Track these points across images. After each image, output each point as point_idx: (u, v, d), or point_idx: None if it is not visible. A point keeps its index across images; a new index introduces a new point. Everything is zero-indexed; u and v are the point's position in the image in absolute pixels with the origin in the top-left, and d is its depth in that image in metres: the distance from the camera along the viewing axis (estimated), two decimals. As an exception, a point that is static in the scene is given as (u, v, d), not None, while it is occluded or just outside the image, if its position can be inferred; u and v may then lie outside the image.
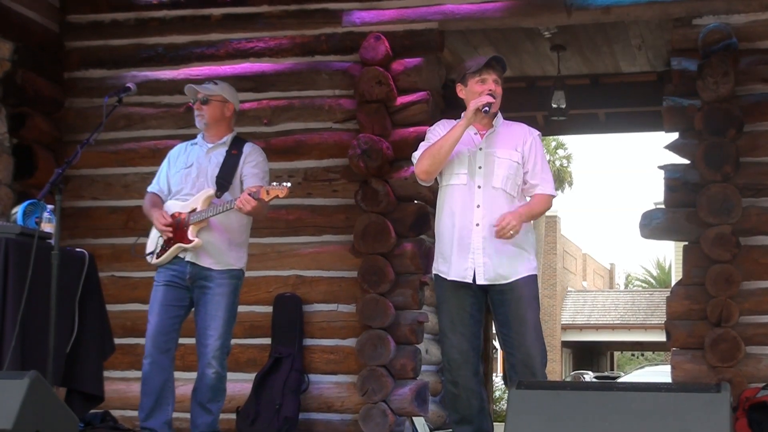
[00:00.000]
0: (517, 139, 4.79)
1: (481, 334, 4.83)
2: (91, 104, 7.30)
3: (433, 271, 4.85)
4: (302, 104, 7.16)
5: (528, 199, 4.82)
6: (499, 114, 4.85)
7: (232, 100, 5.37)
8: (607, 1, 6.71)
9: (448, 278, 4.71)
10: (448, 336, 4.72)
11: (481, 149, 4.76)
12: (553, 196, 4.88)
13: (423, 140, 6.78)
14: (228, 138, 5.30)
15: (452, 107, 7.75)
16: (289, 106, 7.18)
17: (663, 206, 6.80)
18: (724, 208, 6.28)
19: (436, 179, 4.85)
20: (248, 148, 5.30)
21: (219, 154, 5.25)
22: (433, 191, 7.02)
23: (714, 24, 6.52)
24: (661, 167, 6.73)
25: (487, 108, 4.64)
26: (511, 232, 4.55)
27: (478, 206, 4.68)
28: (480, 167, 4.72)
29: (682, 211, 6.57)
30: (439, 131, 4.82)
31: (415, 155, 4.84)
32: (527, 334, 4.62)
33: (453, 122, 4.78)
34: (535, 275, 4.76)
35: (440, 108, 7.41)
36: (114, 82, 7.21)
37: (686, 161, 6.61)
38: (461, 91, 4.86)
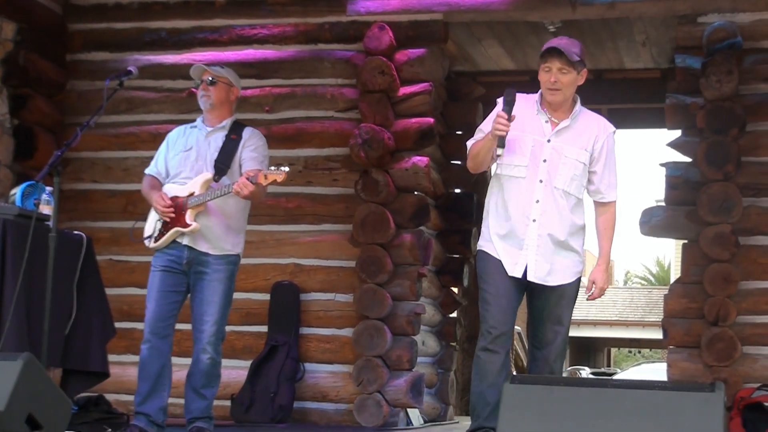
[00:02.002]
0: (589, 137, 4.51)
1: (515, 320, 4.61)
2: (92, 87, 7.29)
3: (479, 248, 4.61)
4: (304, 92, 7.15)
5: (590, 196, 4.61)
6: (578, 104, 4.56)
7: (237, 85, 5.39)
8: (614, -4, 6.70)
9: (498, 257, 4.48)
10: (491, 302, 4.48)
11: (549, 141, 4.48)
12: (615, 201, 4.64)
13: (426, 133, 6.84)
14: (228, 122, 5.29)
15: (455, 99, 7.78)
16: (291, 94, 7.17)
17: (663, 204, 6.79)
18: (725, 207, 6.27)
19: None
20: (247, 132, 5.28)
21: (218, 138, 5.24)
22: (433, 182, 7.06)
23: (719, 22, 6.50)
24: (662, 164, 6.72)
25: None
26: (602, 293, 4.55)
27: (537, 201, 4.45)
28: (545, 161, 4.46)
29: (683, 209, 6.57)
30: (487, 126, 4.49)
31: (468, 144, 4.60)
32: (559, 335, 4.52)
33: (525, 96, 4.54)
34: (580, 277, 4.58)
35: (443, 99, 7.40)
36: (116, 65, 7.20)
37: (688, 159, 6.60)
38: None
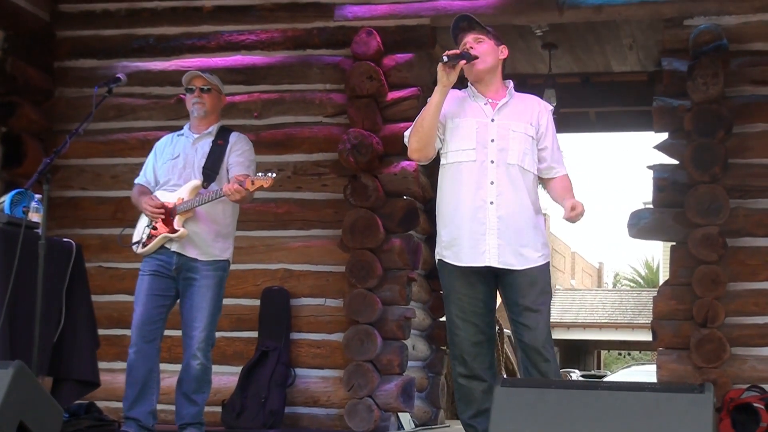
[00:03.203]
0: (531, 113, 4.40)
1: (494, 323, 4.43)
2: (81, 94, 7.28)
3: (437, 257, 4.41)
4: (293, 98, 7.16)
5: (542, 174, 4.43)
6: (511, 84, 4.47)
7: (224, 93, 5.44)
8: (600, 0, 6.72)
9: (459, 264, 4.29)
10: (460, 327, 4.29)
11: (493, 120, 4.34)
12: (567, 174, 4.50)
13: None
14: (214, 128, 5.32)
15: (443, 103, 7.77)
16: (279, 100, 7.18)
17: (651, 206, 6.82)
18: (712, 209, 6.30)
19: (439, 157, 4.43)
20: (234, 137, 5.31)
21: (205, 144, 5.26)
22: (422, 186, 7.08)
23: (705, 25, 6.53)
24: (650, 167, 6.75)
25: (444, 58, 4.19)
26: (581, 217, 4.25)
27: (492, 183, 4.26)
28: (493, 140, 4.30)
29: (670, 211, 6.59)
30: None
31: (406, 134, 4.44)
32: (540, 320, 4.25)
33: (455, 92, 4.40)
34: (549, 263, 4.38)
35: (431, 104, 7.39)
36: (104, 72, 7.19)
37: (675, 161, 6.63)
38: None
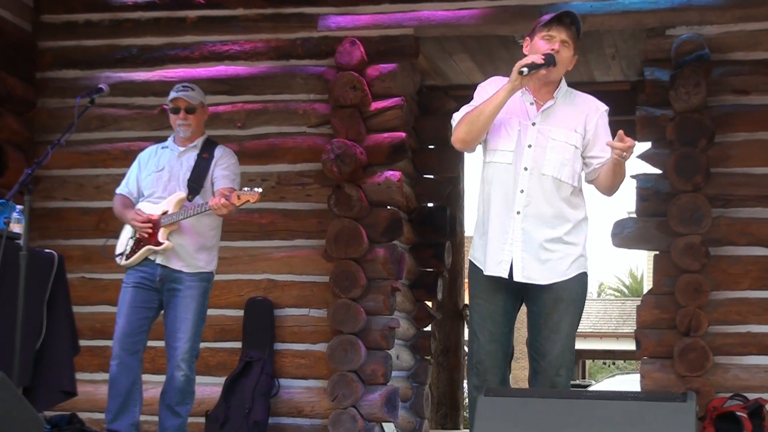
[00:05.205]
0: (579, 118, 4.10)
1: (511, 337, 4.22)
2: (63, 105, 7.25)
3: (469, 257, 4.23)
4: (277, 108, 7.15)
5: (588, 177, 4.15)
6: (563, 83, 4.17)
7: (206, 103, 5.44)
8: (582, 10, 6.73)
9: (484, 271, 4.10)
10: (477, 335, 4.10)
11: (534, 124, 4.07)
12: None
13: (398, 147, 6.86)
14: (199, 141, 5.32)
15: (427, 113, 7.80)
16: (263, 110, 7.17)
17: (635, 215, 6.84)
18: (695, 218, 6.32)
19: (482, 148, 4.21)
20: (219, 151, 5.31)
21: (190, 158, 5.26)
22: (406, 196, 7.08)
23: (687, 35, 6.56)
24: (633, 176, 6.76)
25: (524, 69, 3.91)
26: (624, 153, 3.88)
27: (522, 191, 4.01)
28: (530, 146, 4.03)
29: (654, 220, 6.61)
30: (488, 90, 4.09)
31: (455, 117, 4.13)
32: (557, 343, 4.04)
33: (504, 79, 4.08)
34: (584, 273, 4.11)
35: (414, 114, 7.42)
36: (87, 82, 7.16)
37: (658, 171, 6.65)
38: (526, 47, 4.16)
